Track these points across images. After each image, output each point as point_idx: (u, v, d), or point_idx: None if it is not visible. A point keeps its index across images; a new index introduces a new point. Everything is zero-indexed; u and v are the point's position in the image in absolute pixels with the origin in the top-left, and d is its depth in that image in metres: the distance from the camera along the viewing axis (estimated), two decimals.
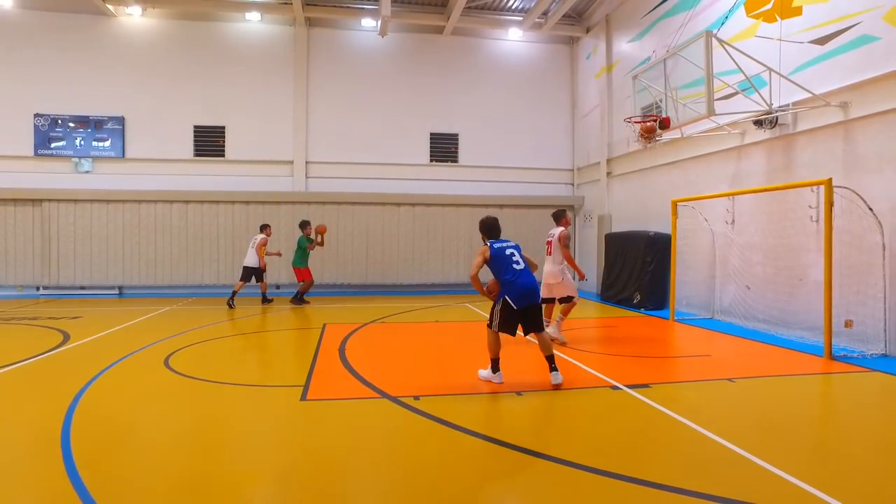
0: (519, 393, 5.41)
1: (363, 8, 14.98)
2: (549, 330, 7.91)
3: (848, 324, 7.44)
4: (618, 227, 14.16)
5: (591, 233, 15.56)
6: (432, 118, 16.07)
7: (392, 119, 15.80)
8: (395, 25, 15.50)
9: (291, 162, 15.33)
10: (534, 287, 5.65)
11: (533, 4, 14.70)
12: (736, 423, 4.58)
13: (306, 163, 15.39)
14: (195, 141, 15.01)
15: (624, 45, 13.96)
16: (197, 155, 15.03)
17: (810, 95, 8.13)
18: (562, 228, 8.07)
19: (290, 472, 3.64)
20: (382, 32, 15.07)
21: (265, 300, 12.64)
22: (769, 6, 9.15)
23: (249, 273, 12.24)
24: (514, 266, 5.63)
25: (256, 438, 4.31)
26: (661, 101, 9.49)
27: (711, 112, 8.07)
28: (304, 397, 5.27)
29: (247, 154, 15.18)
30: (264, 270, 12.51)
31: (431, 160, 16.13)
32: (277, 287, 13.64)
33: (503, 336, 5.71)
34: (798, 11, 8.59)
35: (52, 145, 14.37)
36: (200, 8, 14.65)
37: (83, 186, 14.36)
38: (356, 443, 4.18)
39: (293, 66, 15.36)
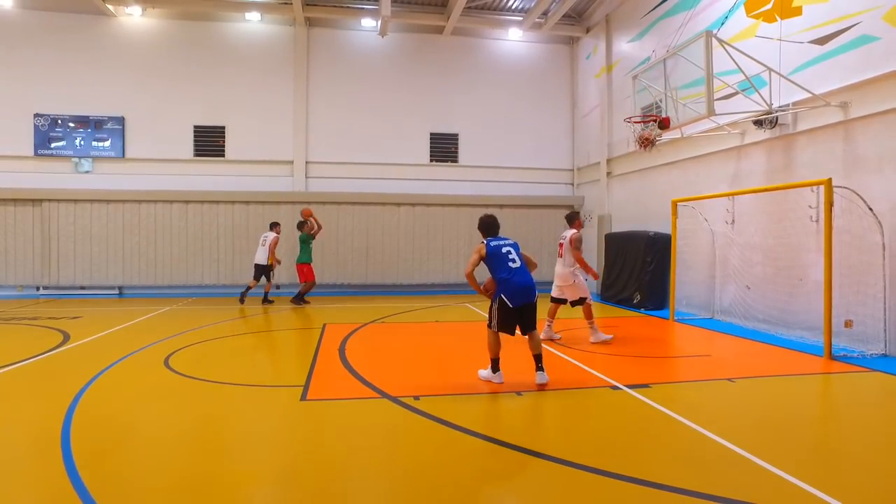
0: (519, 393, 5.41)
1: (363, 8, 14.98)
2: (542, 334, 7.92)
3: (848, 324, 7.44)
4: (618, 227, 14.16)
5: (590, 233, 15.53)
6: (432, 118, 16.07)
7: (392, 119, 15.80)
8: (395, 25, 15.50)
9: (291, 162, 15.33)
10: (529, 285, 5.63)
11: (533, 4, 14.70)
12: (736, 422, 4.58)
13: (306, 163, 15.39)
14: (195, 141, 15.02)
15: (624, 45, 13.96)
16: (197, 155, 15.03)
17: (810, 95, 8.13)
18: (574, 231, 8.10)
19: (290, 472, 3.64)
20: (382, 32, 15.07)
21: (266, 300, 12.64)
22: (769, 6, 9.15)
23: (260, 271, 12.36)
24: (510, 264, 5.62)
25: (256, 438, 4.31)
26: (661, 101, 9.48)
27: (711, 112, 8.07)
28: (304, 397, 5.27)
29: (247, 154, 15.18)
30: (272, 269, 12.55)
31: (431, 160, 16.13)
32: (278, 287, 13.64)
33: (503, 336, 5.71)
34: (798, 11, 8.59)
35: (52, 145, 14.37)
36: (200, 8, 14.65)
37: (83, 186, 14.36)
38: (356, 443, 4.18)
39: (293, 66, 15.36)
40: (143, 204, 14.52)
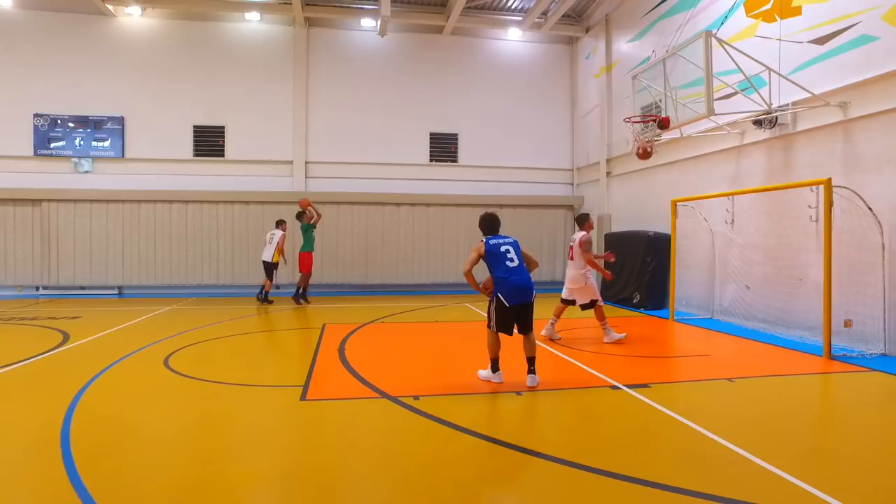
0: (519, 393, 5.41)
1: (363, 8, 14.98)
2: (543, 331, 7.93)
3: (847, 323, 7.44)
4: (617, 227, 14.16)
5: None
6: (432, 118, 16.07)
7: (392, 119, 15.79)
8: (395, 25, 15.49)
9: (291, 162, 15.33)
10: (526, 285, 5.61)
11: (532, 4, 14.70)
12: (735, 422, 4.58)
13: (306, 163, 15.39)
14: (195, 141, 15.01)
15: (623, 45, 13.96)
16: (196, 155, 15.02)
17: (810, 95, 8.13)
18: (583, 233, 8.10)
19: (290, 472, 3.64)
20: (382, 32, 15.06)
21: (266, 299, 12.65)
22: (769, 6, 9.15)
23: (270, 269, 12.51)
24: (508, 263, 5.61)
25: (256, 438, 4.31)
26: (660, 100, 9.48)
27: (711, 112, 8.07)
28: (303, 397, 5.27)
29: (246, 154, 15.17)
30: (276, 267, 12.61)
31: (431, 160, 16.13)
32: (277, 287, 13.64)
33: (503, 336, 5.71)
34: (797, 11, 8.59)
35: (52, 145, 14.37)
36: (200, 8, 14.65)
37: (83, 186, 14.35)
38: (356, 443, 4.18)
39: (293, 66, 15.36)
40: (143, 204, 14.52)
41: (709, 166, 10.74)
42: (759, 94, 8.40)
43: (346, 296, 14.66)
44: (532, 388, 5.49)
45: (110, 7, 14.28)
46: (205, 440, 4.28)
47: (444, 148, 16.20)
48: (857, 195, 7.29)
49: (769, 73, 8.48)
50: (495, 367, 5.72)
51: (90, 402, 5.06)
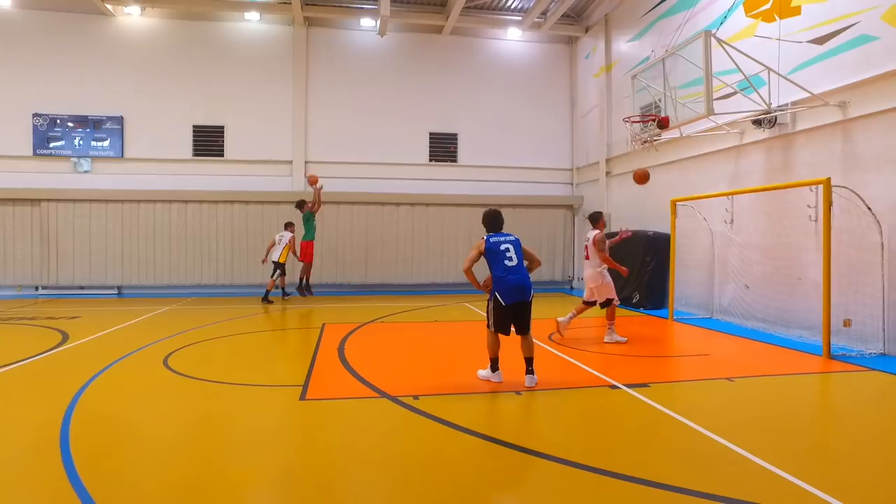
0: (518, 392, 5.41)
1: (362, 8, 14.98)
2: (560, 318, 7.93)
3: (846, 323, 7.45)
4: (617, 227, 14.14)
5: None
6: (431, 118, 16.07)
7: (391, 119, 15.79)
8: (395, 25, 15.49)
9: (290, 162, 15.33)
10: (524, 285, 5.60)
11: (532, 4, 14.71)
12: (735, 422, 4.58)
13: (305, 162, 15.38)
14: (194, 141, 15.01)
15: (623, 45, 13.96)
16: (196, 155, 15.02)
17: (809, 95, 8.13)
18: (597, 231, 8.09)
19: (290, 472, 3.64)
20: (382, 32, 15.06)
21: (266, 298, 12.66)
22: (768, 6, 9.15)
23: (282, 268, 12.67)
24: (506, 262, 5.60)
25: (256, 438, 4.31)
26: (659, 100, 9.49)
27: (710, 112, 8.08)
28: (303, 397, 5.27)
29: (246, 154, 15.17)
30: (283, 266, 12.73)
31: (431, 160, 16.13)
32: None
33: (503, 336, 5.71)
34: (797, 11, 8.59)
35: (51, 145, 14.36)
36: (199, 8, 14.65)
37: (82, 186, 14.35)
38: (355, 442, 4.18)
39: (292, 65, 15.35)
40: (142, 204, 14.51)
41: (708, 166, 10.75)
42: (758, 93, 8.40)
43: (346, 295, 14.66)
44: (531, 389, 5.49)
45: (110, 7, 14.28)
46: (204, 440, 4.28)
47: (443, 148, 16.20)
48: (857, 195, 7.29)
49: (768, 73, 8.49)
50: (495, 367, 5.72)
51: (89, 402, 5.06)
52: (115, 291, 14.53)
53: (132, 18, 14.75)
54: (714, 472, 3.58)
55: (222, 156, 15.11)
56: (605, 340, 7.87)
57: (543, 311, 10.44)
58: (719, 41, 8.23)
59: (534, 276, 5.78)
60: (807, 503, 3.17)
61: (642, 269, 11.88)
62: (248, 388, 5.63)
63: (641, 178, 8.16)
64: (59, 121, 14.35)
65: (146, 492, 3.33)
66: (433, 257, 15.74)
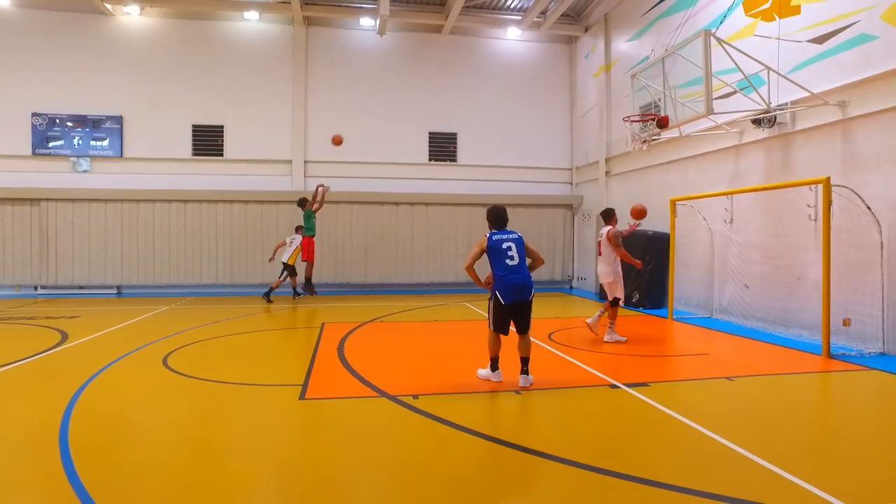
0: (518, 392, 5.41)
1: (362, 7, 14.97)
2: (605, 337, 7.93)
3: (846, 322, 7.45)
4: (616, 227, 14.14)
5: (589, 232, 15.56)
6: (431, 117, 16.06)
7: (391, 118, 15.78)
8: (394, 24, 15.48)
9: (290, 161, 15.31)
10: (524, 284, 5.60)
11: (531, 3, 14.70)
12: (734, 421, 4.58)
13: (305, 162, 15.37)
14: (193, 140, 14.99)
15: (622, 44, 13.96)
16: (195, 154, 15.01)
17: (809, 94, 8.14)
18: (610, 227, 8.10)
19: (289, 472, 3.63)
20: (381, 32, 15.05)
21: (267, 296, 12.75)
22: (767, 5, 9.15)
23: (292, 269, 12.77)
24: (508, 261, 5.59)
25: (255, 437, 4.30)
26: (659, 100, 9.49)
27: (710, 111, 8.08)
28: (302, 396, 5.27)
29: (245, 153, 15.16)
30: (293, 268, 12.81)
31: (430, 159, 16.12)
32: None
33: (503, 335, 5.70)
34: (796, 10, 8.59)
35: (50, 145, 14.34)
36: (198, 7, 14.63)
37: (81, 186, 14.33)
38: (355, 442, 4.18)
39: (291, 65, 15.34)
40: (142, 203, 14.50)
41: (708, 165, 10.75)
42: (757, 93, 8.40)
43: (346, 295, 14.65)
44: (525, 388, 5.49)
45: (109, 6, 14.26)
46: (204, 439, 4.27)
47: (443, 147, 16.19)
48: (856, 194, 7.30)
49: (768, 73, 8.49)
50: (495, 366, 5.72)
51: (89, 402, 5.06)
52: (115, 291, 14.52)
53: (131, 18, 14.74)
54: (714, 471, 3.58)
55: (222, 155, 15.10)
56: (605, 339, 7.88)
57: (543, 311, 10.45)
58: (719, 40, 8.22)
59: (533, 276, 5.77)
60: (806, 502, 3.17)
61: (642, 268, 11.85)
62: (247, 388, 5.63)
63: (639, 214, 8.20)
64: (58, 120, 14.34)
65: (145, 491, 3.32)
66: (433, 257, 15.74)
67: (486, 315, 5.78)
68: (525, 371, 5.61)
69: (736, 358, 7.18)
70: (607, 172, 14.67)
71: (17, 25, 14.26)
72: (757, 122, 9.03)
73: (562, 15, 15.08)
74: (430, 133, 16.10)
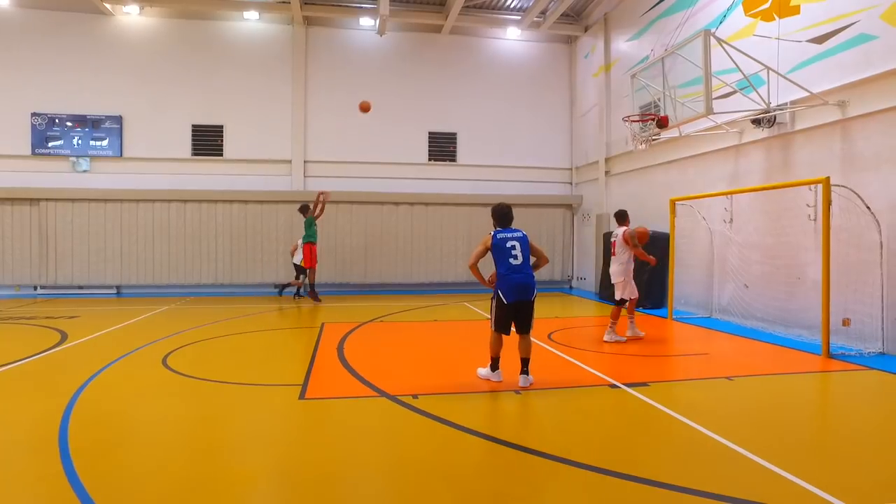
0: (517, 391, 5.41)
1: (361, 7, 14.97)
2: (627, 332, 8.04)
3: (845, 322, 7.45)
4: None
5: (589, 232, 15.57)
6: (431, 117, 16.06)
7: (390, 118, 15.77)
8: (394, 24, 15.48)
9: (290, 161, 15.31)
10: (527, 284, 5.59)
11: (531, 3, 14.70)
12: (734, 420, 4.59)
13: (304, 162, 15.37)
14: (193, 140, 14.99)
15: (622, 44, 13.96)
16: (195, 154, 15.00)
17: (808, 94, 8.14)
18: (625, 228, 8.16)
19: (289, 471, 3.63)
20: (381, 31, 15.05)
21: (282, 289, 13.33)
22: (767, 5, 9.15)
23: (304, 271, 12.89)
24: (511, 260, 5.59)
25: (255, 437, 4.30)
26: (659, 99, 9.50)
27: (710, 111, 8.08)
28: (302, 396, 5.27)
29: (245, 153, 15.15)
30: (305, 269, 12.86)
31: (430, 159, 16.12)
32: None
33: (505, 335, 5.69)
34: (796, 10, 8.59)
35: (50, 144, 14.33)
36: (198, 7, 14.63)
37: (81, 186, 14.33)
38: (355, 441, 4.18)
39: (291, 65, 15.34)
40: (141, 203, 14.49)
41: (707, 165, 10.75)
42: (757, 93, 8.40)
43: (345, 295, 14.64)
44: (525, 388, 5.49)
45: (108, 6, 14.26)
46: (203, 439, 4.27)
47: (442, 147, 16.19)
48: (856, 194, 7.30)
49: (768, 72, 8.49)
50: (495, 366, 5.72)
51: (88, 402, 5.05)
52: (114, 291, 14.51)
53: (131, 18, 14.73)
54: (713, 471, 3.58)
55: (221, 155, 15.10)
56: (605, 339, 7.88)
57: (543, 311, 10.44)
58: (718, 40, 8.23)
59: (536, 275, 5.76)
60: (806, 501, 3.17)
61: (641, 268, 11.83)
62: (247, 388, 5.63)
63: (642, 237, 8.31)
64: (57, 120, 14.33)
65: (145, 490, 3.32)
66: (432, 257, 15.73)
67: (487, 315, 5.77)
68: (525, 371, 5.61)
69: (735, 358, 7.18)
70: (607, 172, 14.68)
71: (16, 25, 14.25)
72: (756, 121, 9.03)
73: (561, 15, 15.08)
74: (429, 133, 16.10)
